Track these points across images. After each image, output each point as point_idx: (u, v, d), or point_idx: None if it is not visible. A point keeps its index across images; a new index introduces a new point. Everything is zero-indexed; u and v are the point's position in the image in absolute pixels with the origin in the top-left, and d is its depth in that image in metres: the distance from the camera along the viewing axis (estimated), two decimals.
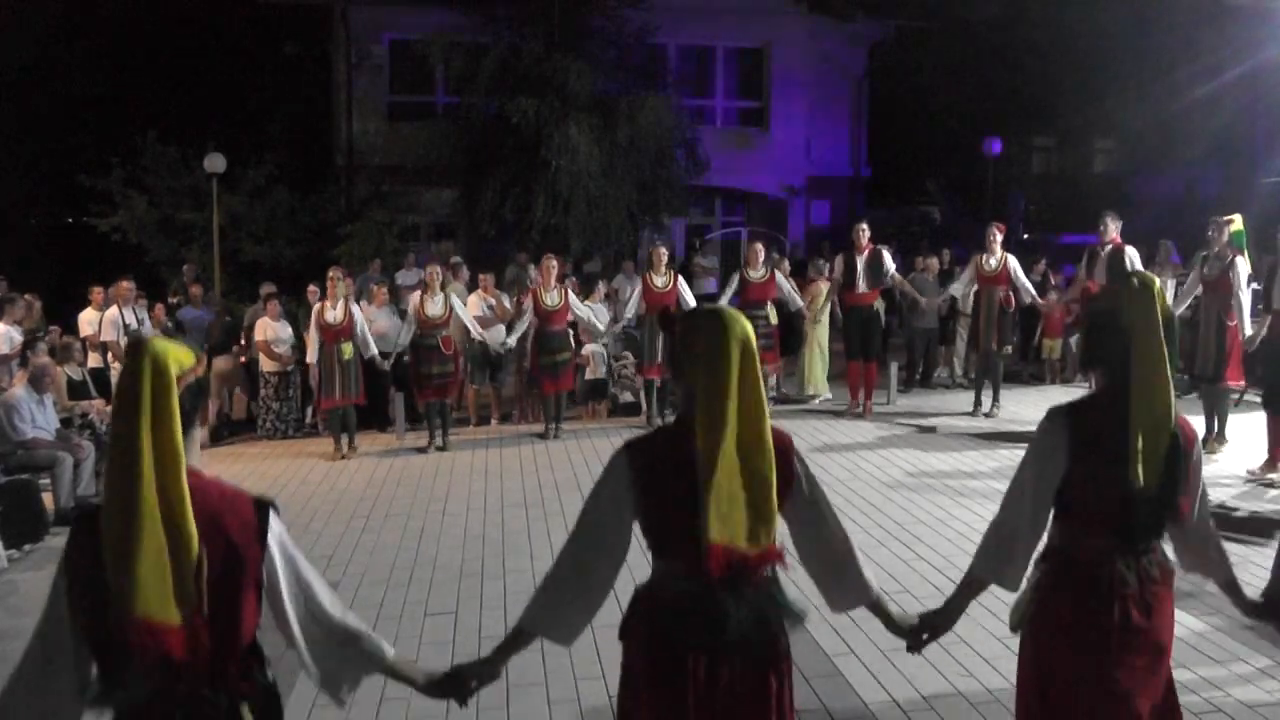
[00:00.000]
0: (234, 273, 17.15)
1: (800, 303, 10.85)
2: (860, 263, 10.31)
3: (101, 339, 9.68)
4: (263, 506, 2.16)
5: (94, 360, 9.78)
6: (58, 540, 6.99)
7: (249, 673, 2.16)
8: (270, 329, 10.48)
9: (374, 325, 10.52)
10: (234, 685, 2.11)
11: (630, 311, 10.56)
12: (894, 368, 11.50)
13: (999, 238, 10.01)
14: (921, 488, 7.51)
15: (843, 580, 2.59)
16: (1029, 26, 21.54)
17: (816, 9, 21.27)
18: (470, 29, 16.63)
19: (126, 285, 10.02)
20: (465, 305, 11.04)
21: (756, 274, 10.31)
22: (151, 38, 22.47)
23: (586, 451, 9.06)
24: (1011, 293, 9.95)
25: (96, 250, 17.92)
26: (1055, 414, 2.67)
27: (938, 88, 22.56)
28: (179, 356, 2.08)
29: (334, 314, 9.42)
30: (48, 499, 7.39)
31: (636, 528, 2.46)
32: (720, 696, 2.34)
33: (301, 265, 16.91)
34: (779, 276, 10.52)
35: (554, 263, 10.18)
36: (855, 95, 22.97)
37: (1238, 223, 9.02)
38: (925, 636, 2.76)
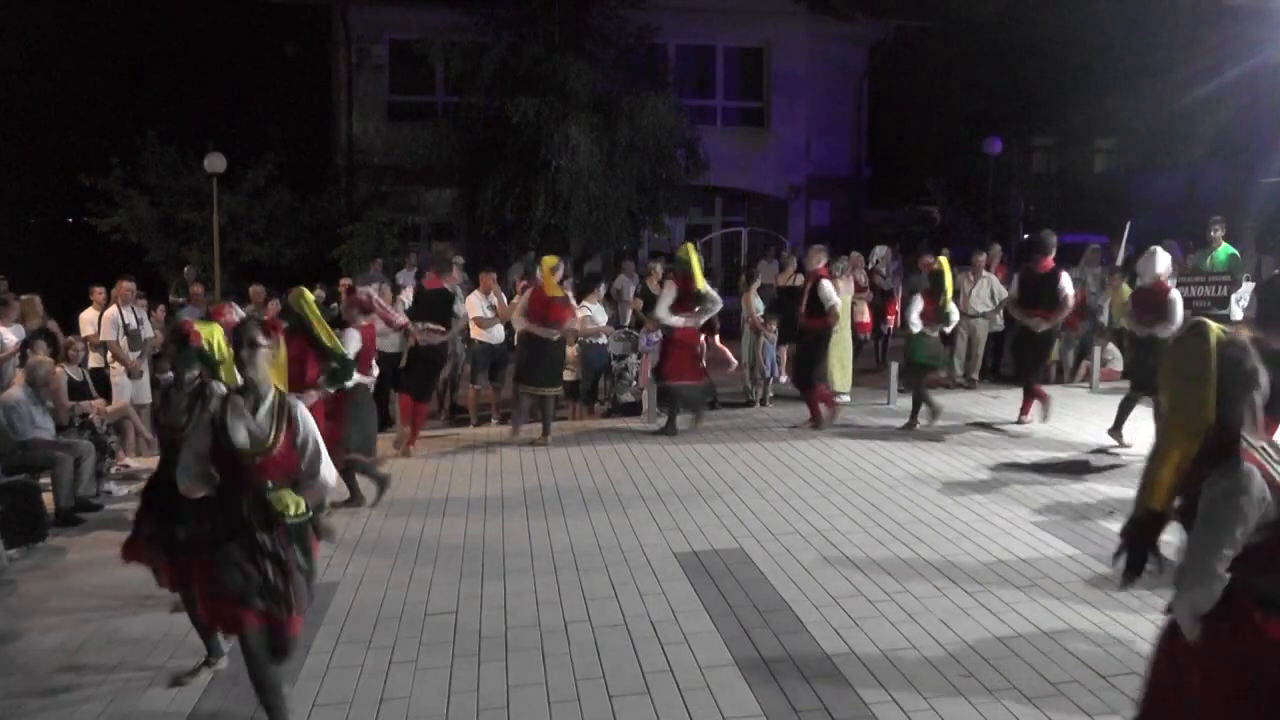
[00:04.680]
0: (234, 273, 17.18)
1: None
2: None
3: (101, 339, 9.65)
4: None
5: (94, 360, 9.77)
6: (58, 540, 6.99)
7: None
8: None
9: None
10: None
11: (628, 317, 10.48)
12: (894, 368, 11.47)
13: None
14: (921, 488, 7.50)
15: None
16: (1029, 26, 21.57)
17: (816, 9, 21.27)
18: (470, 29, 16.64)
19: (127, 285, 9.99)
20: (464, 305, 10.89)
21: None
22: (151, 38, 22.52)
23: (586, 452, 9.05)
24: None
25: (96, 250, 17.96)
26: None
27: (938, 88, 22.61)
28: None
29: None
30: (48, 499, 7.38)
31: None
32: None
33: (301, 265, 16.94)
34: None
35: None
36: (855, 95, 22.98)
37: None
38: None
